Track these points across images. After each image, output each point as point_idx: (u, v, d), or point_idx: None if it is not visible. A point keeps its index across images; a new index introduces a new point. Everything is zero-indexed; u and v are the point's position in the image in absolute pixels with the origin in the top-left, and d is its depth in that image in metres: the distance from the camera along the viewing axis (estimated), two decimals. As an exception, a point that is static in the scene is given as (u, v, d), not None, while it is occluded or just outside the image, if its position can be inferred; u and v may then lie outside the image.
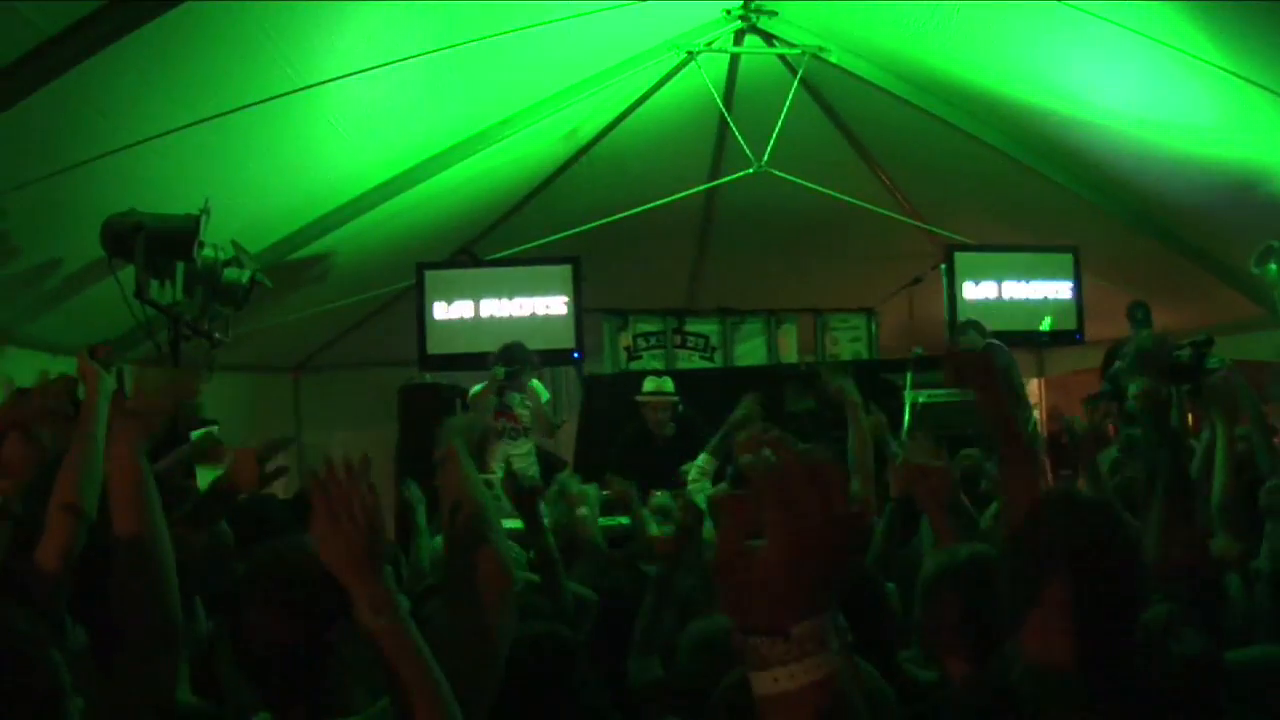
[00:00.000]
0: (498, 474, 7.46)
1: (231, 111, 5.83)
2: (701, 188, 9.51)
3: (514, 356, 7.81)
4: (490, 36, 6.67)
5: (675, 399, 7.99)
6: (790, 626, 1.19)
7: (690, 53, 8.22)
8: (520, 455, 7.90)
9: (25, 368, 6.32)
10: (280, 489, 4.31)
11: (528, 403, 7.98)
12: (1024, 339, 9.68)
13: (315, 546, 1.84)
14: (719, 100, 8.63)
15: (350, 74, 6.22)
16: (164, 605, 2.22)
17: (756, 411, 6.12)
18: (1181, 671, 2.35)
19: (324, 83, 6.15)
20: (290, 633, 2.09)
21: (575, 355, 9.21)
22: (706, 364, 11.09)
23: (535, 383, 8.13)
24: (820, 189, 8.90)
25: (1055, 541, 1.98)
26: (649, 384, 8.10)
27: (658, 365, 10.67)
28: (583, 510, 4.80)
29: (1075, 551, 1.94)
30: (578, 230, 8.88)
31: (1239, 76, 6.61)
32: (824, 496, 1.23)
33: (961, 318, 9.17)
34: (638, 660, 3.32)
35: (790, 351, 11.41)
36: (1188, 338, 4.81)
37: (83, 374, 3.04)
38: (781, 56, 8.57)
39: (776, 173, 8.60)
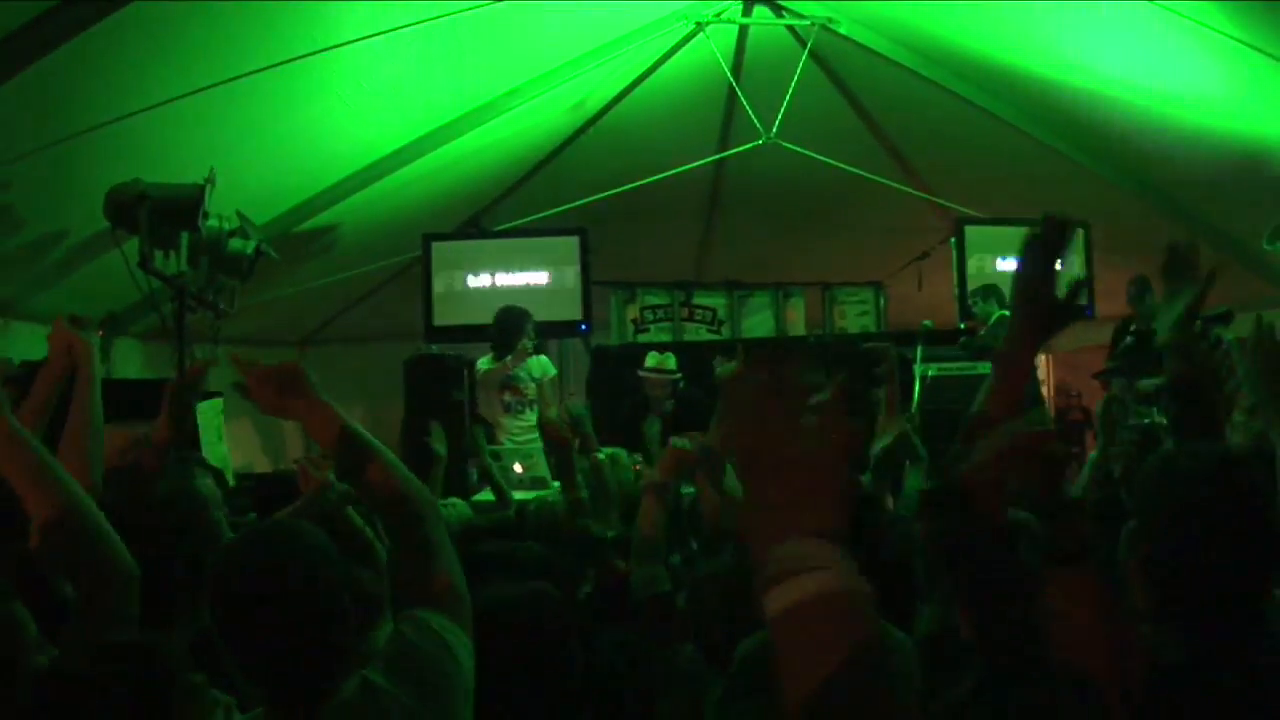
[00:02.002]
0: (506, 446, 7.49)
1: (236, 79, 5.79)
2: (710, 159, 9.44)
3: (526, 325, 7.75)
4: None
5: (677, 376, 7.96)
6: (791, 536, 1.14)
7: (699, 23, 8.15)
8: (523, 428, 7.86)
9: (29, 342, 6.31)
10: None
11: (534, 374, 7.94)
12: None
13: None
14: (728, 71, 8.56)
15: (356, 40, 6.16)
16: (101, 547, 2.28)
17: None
18: None
19: (329, 49, 6.10)
20: (289, 628, 2.02)
21: (582, 327, 9.14)
22: (714, 337, 11.06)
23: (543, 359, 8.11)
24: (829, 161, 8.82)
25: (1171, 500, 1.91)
26: (651, 359, 8.06)
27: (665, 338, 10.65)
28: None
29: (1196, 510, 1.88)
30: (585, 202, 8.83)
31: (1251, 46, 6.53)
32: (789, 409, 1.18)
33: (971, 289, 9.11)
34: (641, 569, 3.33)
35: (798, 325, 11.38)
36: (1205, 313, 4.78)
37: (63, 341, 2.98)
38: (790, 28, 8.48)
39: (785, 144, 8.54)
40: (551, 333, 8.65)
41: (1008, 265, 9.55)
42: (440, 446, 5.99)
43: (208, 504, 3.49)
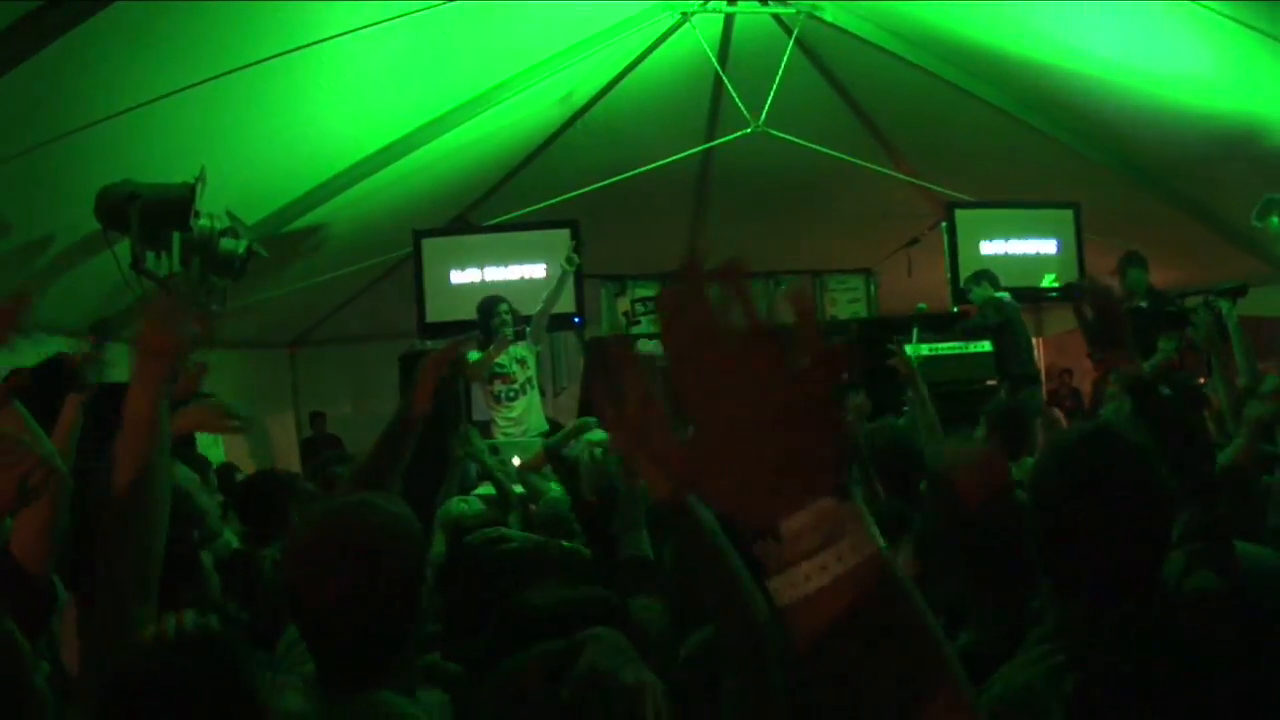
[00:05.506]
0: (500, 440, 7.46)
1: (220, 75, 5.75)
2: (698, 149, 9.43)
3: (498, 307, 7.74)
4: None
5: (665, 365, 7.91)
6: (780, 521, 0.90)
7: (684, 14, 8.14)
8: (514, 420, 7.81)
9: (19, 347, 6.25)
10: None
11: (519, 354, 7.91)
12: (1025, 295, 9.58)
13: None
14: (714, 61, 8.54)
15: (340, 34, 6.13)
16: (147, 556, 2.18)
17: None
18: (1195, 607, 2.29)
19: (314, 44, 6.07)
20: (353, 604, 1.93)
21: (576, 320, 9.11)
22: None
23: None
24: (817, 148, 8.81)
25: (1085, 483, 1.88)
26: (643, 347, 8.01)
27: (656, 330, 10.64)
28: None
29: (1109, 491, 1.86)
30: (574, 194, 8.80)
31: (1237, 21, 6.55)
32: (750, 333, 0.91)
33: (964, 273, 9.10)
34: (626, 536, 3.43)
35: (789, 314, 11.36)
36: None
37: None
38: (776, 15, 8.47)
39: (774, 132, 8.53)
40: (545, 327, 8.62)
41: (994, 248, 9.58)
42: (463, 450, 6.02)
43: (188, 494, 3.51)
